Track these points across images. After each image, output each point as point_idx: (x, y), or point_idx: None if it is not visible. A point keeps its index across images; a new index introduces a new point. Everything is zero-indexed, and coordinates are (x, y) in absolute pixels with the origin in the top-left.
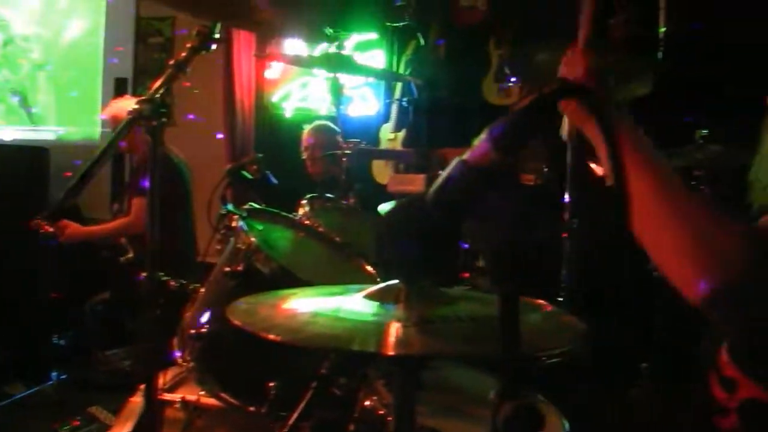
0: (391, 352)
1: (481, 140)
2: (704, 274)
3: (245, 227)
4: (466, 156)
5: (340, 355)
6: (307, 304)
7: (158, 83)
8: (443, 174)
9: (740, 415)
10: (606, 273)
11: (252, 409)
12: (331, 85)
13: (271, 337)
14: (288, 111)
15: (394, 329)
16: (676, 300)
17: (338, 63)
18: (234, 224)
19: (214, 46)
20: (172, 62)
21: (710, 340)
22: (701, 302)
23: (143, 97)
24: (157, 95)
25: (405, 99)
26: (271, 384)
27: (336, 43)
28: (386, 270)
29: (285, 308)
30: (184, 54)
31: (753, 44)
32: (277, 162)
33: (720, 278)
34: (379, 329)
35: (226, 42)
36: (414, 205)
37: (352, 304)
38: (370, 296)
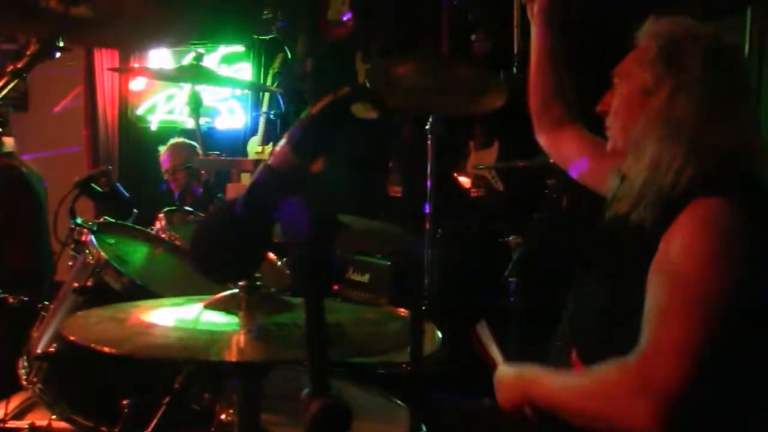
0: (225, 360)
1: (281, 144)
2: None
3: (95, 241)
4: (270, 160)
5: (193, 369)
6: (147, 316)
7: None
8: (252, 178)
9: None
10: (465, 281)
11: (104, 429)
12: (189, 98)
13: (105, 350)
14: (153, 124)
15: (231, 337)
16: (531, 305)
17: (198, 75)
18: (84, 238)
19: (58, 54)
20: (9, 69)
21: (562, 342)
22: None
23: None
24: None
25: (272, 112)
26: (125, 402)
27: (194, 55)
28: (197, 271)
29: (121, 321)
30: (23, 61)
31: (600, 60)
32: (142, 175)
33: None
34: (214, 338)
35: (88, 51)
36: (226, 209)
37: (192, 314)
38: (211, 305)
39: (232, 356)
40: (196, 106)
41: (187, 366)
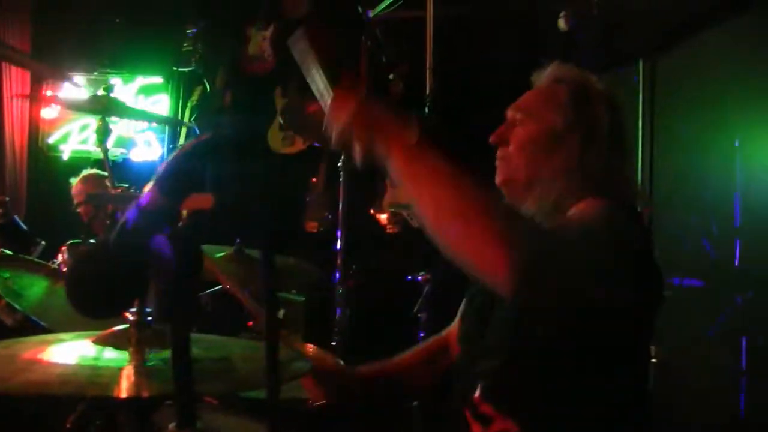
0: (110, 395)
1: (150, 184)
2: (501, 262)
3: None
4: (141, 199)
5: (86, 407)
6: (35, 353)
7: None
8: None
9: None
10: (377, 317)
11: None
12: (98, 128)
13: None
14: (65, 153)
15: (119, 373)
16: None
17: (107, 106)
18: None
19: None
20: None
21: (463, 381)
22: (503, 288)
23: None
24: None
25: None
26: None
27: (105, 86)
28: (72, 307)
29: (5, 358)
30: None
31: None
32: (52, 206)
33: (514, 264)
34: (101, 373)
35: None
36: (99, 246)
37: (83, 349)
38: (101, 341)
39: (119, 392)
40: (103, 136)
41: (81, 405)
